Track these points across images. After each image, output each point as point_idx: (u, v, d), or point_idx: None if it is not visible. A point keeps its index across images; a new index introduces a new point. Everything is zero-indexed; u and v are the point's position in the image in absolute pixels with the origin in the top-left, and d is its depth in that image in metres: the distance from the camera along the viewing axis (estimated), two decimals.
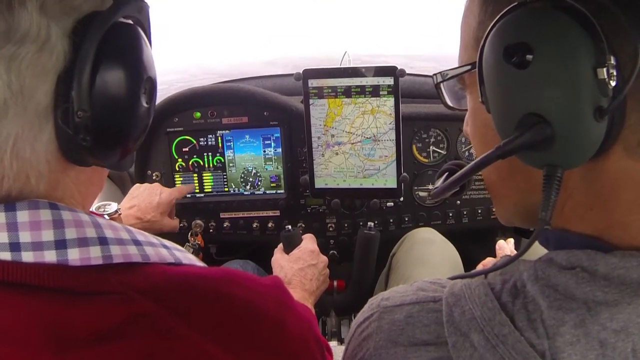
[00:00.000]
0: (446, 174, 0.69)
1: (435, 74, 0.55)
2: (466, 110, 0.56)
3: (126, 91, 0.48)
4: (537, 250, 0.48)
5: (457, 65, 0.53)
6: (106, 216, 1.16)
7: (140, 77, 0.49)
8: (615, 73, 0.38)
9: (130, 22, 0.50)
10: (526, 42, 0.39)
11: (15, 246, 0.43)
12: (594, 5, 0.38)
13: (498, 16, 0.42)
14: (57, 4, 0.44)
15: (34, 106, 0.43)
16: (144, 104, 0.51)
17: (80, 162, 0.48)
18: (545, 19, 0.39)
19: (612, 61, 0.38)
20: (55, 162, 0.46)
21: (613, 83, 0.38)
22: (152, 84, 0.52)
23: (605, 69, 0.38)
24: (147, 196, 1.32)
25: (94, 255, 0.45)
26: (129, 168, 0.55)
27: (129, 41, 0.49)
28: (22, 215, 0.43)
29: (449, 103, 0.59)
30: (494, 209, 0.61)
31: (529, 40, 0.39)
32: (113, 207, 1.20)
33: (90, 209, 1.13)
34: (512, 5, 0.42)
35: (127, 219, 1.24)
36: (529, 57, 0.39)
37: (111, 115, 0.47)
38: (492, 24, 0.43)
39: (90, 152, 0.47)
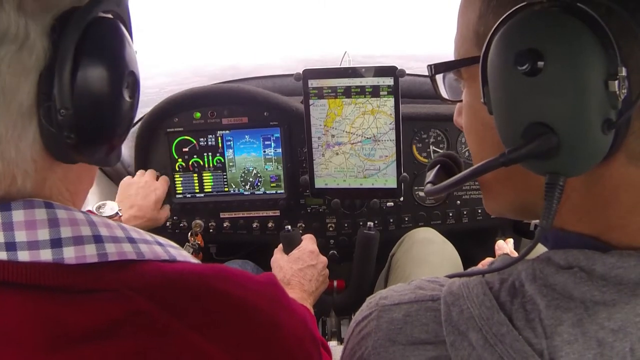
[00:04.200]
0: (438, 166, 0.68)
1: (430, 65, 0.54)
2: (460, 101, 0.55)
3: (108, 87, 0.47)
4: (536, 250, 0.48)
5: (453, 56, 0.52)
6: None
7: (122, 72, 0.49)
8: (626, 84, 0.37)
9: (110, 16, 0.49)
10: (538, 50, 0.38)
11: (10, 246, 0.43)
12: (604, 10, 0.38)
13: (504, 16, 0.41)
14: (35, 2, 0.43)
15: (17, 106, 0.43)
16: (127, 99, 0.50)
17: (66, 160, 0.48)
18: (558, 25, 0.38)
19: (624, 72, 0.37)
20: (41, 161, 0.46)
21: (623, 95, 0.37)
22: (134, 78, 0.51)
23: (616, 82, 0.37)
24: (144, 194, 1.33)
25: (89, 253, 0.45)
26: (116, 163, 0.55)
27: (109, 36, 0.48)
28: (18, 215, 0.43)
29: (444, 95, 0.58)
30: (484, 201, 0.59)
31: (541, 48, 0.38)
32: (114, 208, 1.20)
33: (89, 209, 1.13)
34: (519, 6, 0.41)
35: (129, 222, 1.24)
36: (540, 64, 0.38)
37: (94, 111, 0.47)
38: (497, 23, 0.42)
39: (76, 149, 0.47)
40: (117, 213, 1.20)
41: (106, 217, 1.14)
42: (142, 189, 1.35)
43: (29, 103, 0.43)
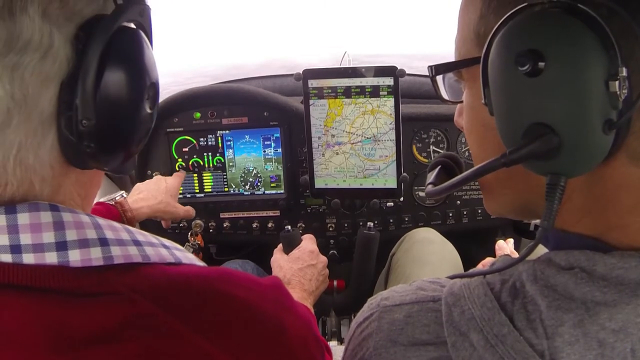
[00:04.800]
0: (439, 167, 0.68)
1: (430, 66, 0.54)
2: (461, 102, 0.55)
3: (130, 98, 0.48)
4: (536, 250, 0.48)
5: (454, 58, 0.52)
6: (112, 202, 1.17)
7: (144, 84, 0.49)
8: (626, 85, 0.37)
9: (133, 26, 0.49)
10: (539, 50, 0.38)
11: (15, 248, 0.43)
12: (605, 11, 0.38)
13: (505, 16, 0.41)
14: (60, 9, 0.43)
15: (38, 114, 0.43)
16: (148, 110, 0.51)
17: (82, 166, 0.48)
18: (559, 26, 0.38)
19: (624, 73, 0.37)
20: (58, 167, 0.46)
21: (624, 96, 0.37)
22: (155, 90, 0.52)
23: (617, 82, 0.37)
24: (154, 184, 1.33)
25: (95, 256, 0.45)
26: (131, 171, 0.55)
27: (133, 46, 0.48)
28: (23, 218, 0.43)
29: (444, 96, 0.58)
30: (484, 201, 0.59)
31: (542, 49, 0.38)
32: (120, 193, 1.21)
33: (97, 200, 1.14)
34: (520, 7, 0.41)
35: (137, 203, 1.24)
36: (541, 65, 0.38)
37: (115, 122, 0.47)
38: (498, 24, 0.42)
39: (94, 157, 0.47)
40: (122, 195, 1.20)
41: (111, 199, 1.15)
42: (154, 181, 1.35)
43: (50, 111, 0.43)
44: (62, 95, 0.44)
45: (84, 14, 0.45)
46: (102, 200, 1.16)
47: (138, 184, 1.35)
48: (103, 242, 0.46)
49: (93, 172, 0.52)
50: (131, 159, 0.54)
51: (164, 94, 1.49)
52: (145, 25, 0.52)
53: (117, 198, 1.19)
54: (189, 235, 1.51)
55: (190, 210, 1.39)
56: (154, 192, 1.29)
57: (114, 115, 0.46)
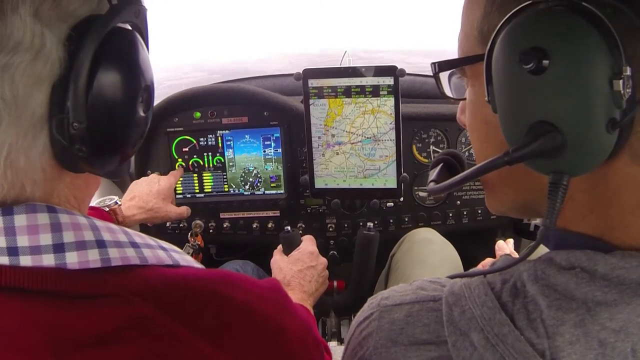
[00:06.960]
0: (441, 165, 0.68)
1: (433, 63, 0.54)
2: (464, 99, 0.55)
3: (123, 102, 0.47)
4: (537, 250, 0.47)
5: (457, 54, 0.52)
6: (106, 208, 1.17)
7: (138, 86, 0.48)
8: (630, 84, 0.37)
9: (128, 27, 0.49)
10: (543, 48, 0.38)
11: (13, 250, 0.43)
12: (610, 10, 0.38)
13: (509, 14, 0.41)
14: (52, 10, 0.42)
15: (29, 116, 0.42)
16: (141, 113, 0.50)
17: (75, 170, 0.47)
18: (564, 24, 0.38)
19: (628, 72, 0.37)
20: (50, 170, 0.46)
21: (627, 95, 0.37)
22: (149, 93, 0.51)
23: (621, 81, 0.37)
24: (146, 186, 1.32)
25: (92, 258, 0.45)
26: (126, 175, 0.54)
27: (127, 48, 0.48)
28: (20, 220, 0.43)
29: (448, 93, 0.58)
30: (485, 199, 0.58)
31: (547, 47, 0.38)
32: (112, 199, 1.21)
33: (91, 204, 1.14)
34: (524, 4, 0.40)
35: (129, 210, 1.24)
36: (545, 63, 0.38)
37: (108, 126, 0.46)
38: (502, 22, 0.42)
39: (86, 161, 0.46)
40: (115, 202, 1.20)
41: (105, 206, 1.15)
42: (147, 182, 1.35)
43: (41, 113, 0.43)
44: (53, 97, 0.43)
45: (78, 15, 0.44)
46: (94, 204, 1.16)
47: (132, 184, 1.34)
48: (100, 244, 0.46)
49: (88, 175, 0.51)
50: (125, 163, 0.53)
51: (160, 89, 1.49)
52: (140, 27, 0.51)
53: (111, 204, 1.19)
54: (188, 236, 1.51)
55: (183, 212, 1.39)
56: (145, 197, 1.29)
57: (106, 118, 0.46)
